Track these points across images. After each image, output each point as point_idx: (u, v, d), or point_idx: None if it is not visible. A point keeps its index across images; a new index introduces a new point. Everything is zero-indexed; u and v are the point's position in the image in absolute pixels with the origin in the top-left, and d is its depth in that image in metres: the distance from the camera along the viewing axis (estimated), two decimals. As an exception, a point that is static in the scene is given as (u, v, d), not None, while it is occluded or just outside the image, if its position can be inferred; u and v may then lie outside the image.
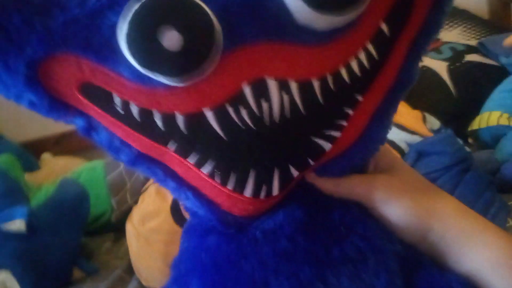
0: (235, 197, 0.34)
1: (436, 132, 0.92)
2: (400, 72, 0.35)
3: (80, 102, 0.32)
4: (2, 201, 0.70)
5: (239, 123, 0.31)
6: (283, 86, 0.31)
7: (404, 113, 0.95)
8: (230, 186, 0.33)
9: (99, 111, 0.32)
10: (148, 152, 0.33)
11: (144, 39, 0.27)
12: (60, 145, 1.26)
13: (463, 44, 1.12)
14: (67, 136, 1.30)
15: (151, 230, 0.70)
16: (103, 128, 0.33)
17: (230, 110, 0.31)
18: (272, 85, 0.31)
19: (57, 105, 0.31)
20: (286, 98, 0.31)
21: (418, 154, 0.84)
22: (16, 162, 0.93)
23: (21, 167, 0.94)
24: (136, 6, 0.27)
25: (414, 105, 0.98)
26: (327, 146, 0.34)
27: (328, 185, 0.38)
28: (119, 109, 0.31)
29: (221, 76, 0.30)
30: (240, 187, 0.33)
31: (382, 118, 0.36)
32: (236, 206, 0.35)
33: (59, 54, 0.30)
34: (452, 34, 1.18)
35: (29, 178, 0.97)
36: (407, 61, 0.36)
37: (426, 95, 1.02)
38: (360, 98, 0.34)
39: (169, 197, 0.71)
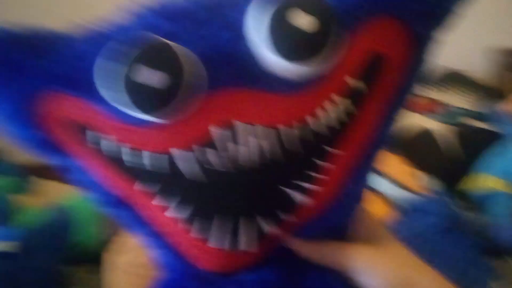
0: (200, 246, 0.34)
1: (426, 189, 0.92)
2: (374, 129, 0.36)
3: (64, 140, 0.34)
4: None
5: (205, 164, 0.32)
6: (251, 130, 0.31)
7: (397, 168, 0.97)
8: (194, 232, 0.33)
9: (80, 147, 0.34)
10: (120, 193, 0.35)
11: (114, 73, 0.30)
12: (53, 170, 1.27)
13: (461, 108, 1.16)
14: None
15: (128, 262, 0.69)
16: (83, 167, 0.35)
17: (197, 150, 0.31)
18: (240, 129, 0.31)
19: (45, 143, 0.34)
20: (253, 142, 0.31)
21: (406, 210, 0.84)
22: (11, 183, 0.94)
23: (11, 187, 0.95)
24: (116, 45, 0.30)
25: (407, 161, 0.99)
26: (298, 197, 0.34)
27: (305, 250, 0.37)
28: (95, 144, 0.33)
29: (191, 118, 0.31)
30: (204, 234, 0.33)
31: (358, 175, 0.36)
32: (202, 258, 0.35)
33: (51, 91, 0.33)
34: (451, 98, 1.22)
35: (19, 199, 0.98)
36: (381, 119, 0.36)
37: (420, 152, 1.03)
38: (333, 150, 0.34)
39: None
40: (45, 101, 0.33)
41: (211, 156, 0.31)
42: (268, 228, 0.34)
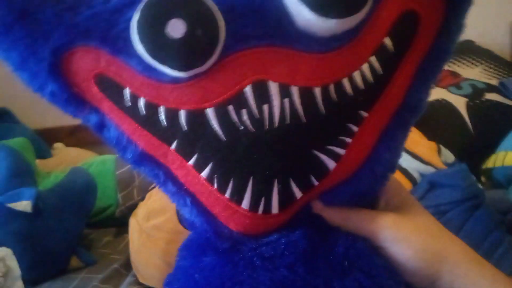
0: (232, 207, 0.34)
1: (450, 165, 0.91)
2: (406, 94, 0.35)
3: (94, 96, 0.34)
4: (13, 180, 0.72)
5: (239, 124, 0.31)
6: (284, 90, 0.31)
7: (420, 143, 0.95)
8: (227, 194, 0.34)
9: (110, 104, 0.34)
10: (152, 152, 0.34)
11: (153, 27, 0.30)
12: (73, 136, 1.27)
13: (484, 83, 1.12)
14: (81, 128, 1.31)
15: (155, 227, 0.70)
16: (113, 124, 0.35)
17: (231, 110, 0.31)
18: (273, 88, 0.31)
19: (74, 99, 0.34)
20: (286, 102, 0.31)
21: (430, 185, 0.83)
22: (30, 147, 0.94)
23: (33, 152, 0.95)
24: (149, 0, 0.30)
25: (430, 136, 0.97)
26: (330, 163, 0.33)
27: (336, 218, 0.37)
28: (128, 102, 0.33)
29: (224, 75, 0.31)
30: (237, 196, 0.33)
31: (389, 141, 0.36)
32: (233, 219, 0.35)
33: (80, 45, 0.32)
34: (473, 72, 1.19)
35: (40, 164, 0.98)
36: (414, 84, 0.36)
37: (443, 128, 1.01)
38: (364, 114, 0.34)
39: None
40: (78, 56, 0.33)
41: (244, 115, 0.31)
42: (299, 192, 0.34)
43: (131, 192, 0.90)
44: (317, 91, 0.31)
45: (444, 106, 1.06)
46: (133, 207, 0.82)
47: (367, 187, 0.37)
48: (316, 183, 0.34)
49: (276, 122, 0.31)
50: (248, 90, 0.31)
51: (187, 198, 0.35)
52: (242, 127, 0.31)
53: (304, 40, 0.31)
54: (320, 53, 0.31)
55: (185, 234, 0.64)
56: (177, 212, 0.69)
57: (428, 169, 0.88)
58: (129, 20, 0.31)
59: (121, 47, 0.32)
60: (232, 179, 0.33)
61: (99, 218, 0.90)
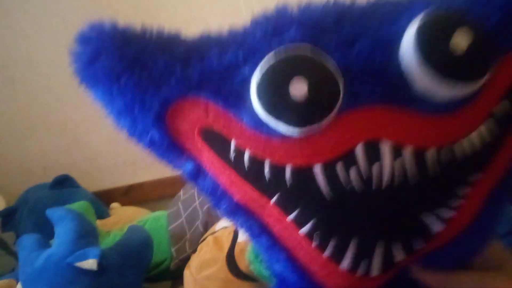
0: (330, 266, 0.33)
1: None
2: None
3: (196, 146, 0.34)
4: (79, 241, 0.78)
5: (346, 183, 0.30)
6: (397, 151, 0.30)
7: None
8: (327, 252, 0.32)
9: (212, 154, 0.33)
10: (248, 204, 0.33)
11: (275, 87, 0.29)
12: (127, 196, 1.35)
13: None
14: (134, 188, 1.40)
15: (207, 277, 0.74)
16: (210, 175, 0.34)
17: (339, 168, 0.30)
18: (386, 148, 0.30)
19: (174, 147, 0.34)
20: (398, 163, 0.30)
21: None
22: (91, 209, 1.02)
23: (94, 213, 1.03)
24: (272, 61, 0.30)
25: None
26: (435, 227, 0.32)
27: (435, 281, 0.36)
28: (231, 155, 0.32)
29: (336, 133, 0.30)
30: (338, 255, 0.32)
31: (494, 205, 0.35)
32: (330, 278, 0.33)
33: (191, 96, 0.32)
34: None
35: (99, 224, 1.05)
36: None
37: None
38: (474, 177, 0.33)
39: (226, 246, 0.76)
40: (186, 107, 0.32)
41: (352, 174, 0.30)
42: (401, 256, 0.33)
43: (184, 245, 0.95)
44: (429, 153, 0.31)
45: None
46: (186, 259, 0.87)
47: (468, 250, 0.36)
48: (417, 246, 0.33)
49: (384, 183, 0.30)
50: (359, 148, 0.30)
51: (282, 253, 0.34)
52: (349, 186, 0.31)
53: (420, 102, 0.31)
54: (434, 115, 0.31)
55: (236, 283, 0.69)
56: (227, 262, 0.74)
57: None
58: (243, 77, 0.31)
59: (234, 101, 0.32)
60: (334, 238, 0.32)
61: (155, 272, 0.95)
